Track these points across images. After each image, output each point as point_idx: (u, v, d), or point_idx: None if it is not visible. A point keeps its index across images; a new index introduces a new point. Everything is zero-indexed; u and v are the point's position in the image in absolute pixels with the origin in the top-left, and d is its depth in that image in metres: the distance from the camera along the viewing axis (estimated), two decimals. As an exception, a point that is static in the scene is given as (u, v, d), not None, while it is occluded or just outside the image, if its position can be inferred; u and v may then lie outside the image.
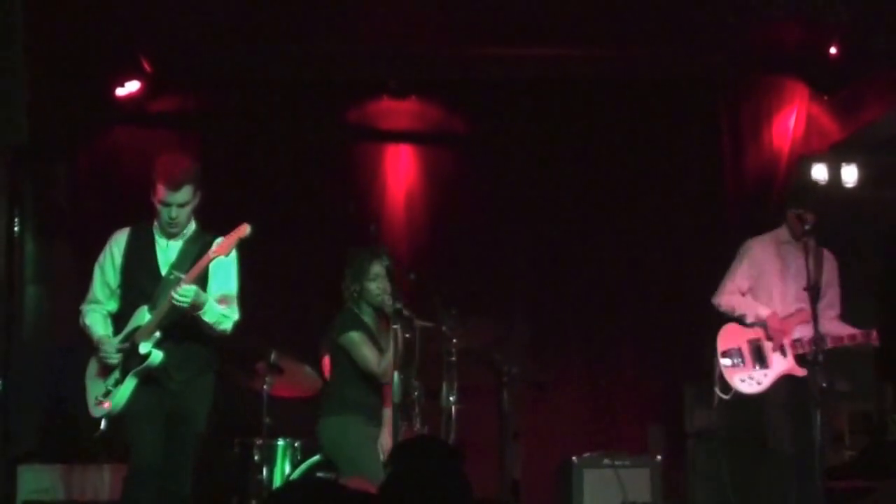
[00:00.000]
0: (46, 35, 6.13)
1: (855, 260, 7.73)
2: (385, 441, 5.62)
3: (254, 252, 5.31)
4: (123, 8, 6.69)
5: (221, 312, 5.26)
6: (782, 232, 6.45)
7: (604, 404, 8.05)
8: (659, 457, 7.17)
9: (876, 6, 6.77)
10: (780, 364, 6.26)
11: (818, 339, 5.89)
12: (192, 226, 5.36)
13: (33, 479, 6.61)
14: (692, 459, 7.46)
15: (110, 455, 6.46)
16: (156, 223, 5.32)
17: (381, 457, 5.59)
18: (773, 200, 7.75)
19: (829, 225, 6.44)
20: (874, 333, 6.23)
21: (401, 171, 8.23)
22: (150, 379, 5.21)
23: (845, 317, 6.43)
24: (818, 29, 7.30)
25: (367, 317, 5.84)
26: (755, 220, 7.47)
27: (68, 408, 6.41)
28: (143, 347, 5.16)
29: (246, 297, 5.43)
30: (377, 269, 5.76)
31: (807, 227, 6.11)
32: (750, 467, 6.64)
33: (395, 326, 5.41)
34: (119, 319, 5.34)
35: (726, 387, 6.27)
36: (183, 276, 5.10)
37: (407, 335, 5.51)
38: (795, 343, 6.25)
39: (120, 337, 5.25)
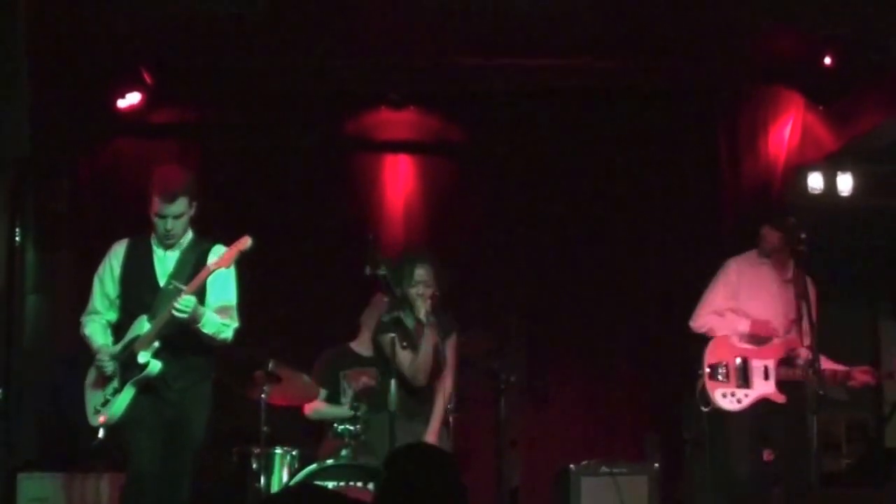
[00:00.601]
0: (48, 47, 6.17)
1: (850, 269, 7.82)
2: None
3: (252, 261, 5.34)
4: (125, 20, 6.73)
5: (221, 322, 5.30)
6: (759, 250, 6.51)
7: (601, 412, 8.07)
8: (657, 464, 7.18)
9: (870, 17, 6.81)
10: (762, 387, 6.28)
11: (814, 356, 5.95)
12: (189, 235, 5.41)
13: (33, 487, 6.61)
14: (689, 466, 7.48)
15: (110, 464, 6.48)
16: (153, 234, 5.37)
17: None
18: (770, 210, 7.77)
19: (824, 234, 6.50)
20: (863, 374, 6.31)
21: (399, 182, 8.26)
22: (148, 388, 5.25)
23: (843, 324, 6.51)
24: (813, 40, 7.33)
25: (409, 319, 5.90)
26: (752, 230, 7.49)
27: (68, 417, 6.42)
28: (142, 357, 5.20)
29: (244, 305, 5.47)
30: (419, 273, 5.83)
31: (801, 245, 6.16)
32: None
33: (391, 335, 5.49)
34: (119, 329, 5.38)
35: (706, 399, 6.31)
36: (183, 287, 5.14)
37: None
38: (781, 365, 6.28)
39: (119, 346, 5.29)
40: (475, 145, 8.33)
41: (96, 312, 5.40)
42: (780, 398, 6.24)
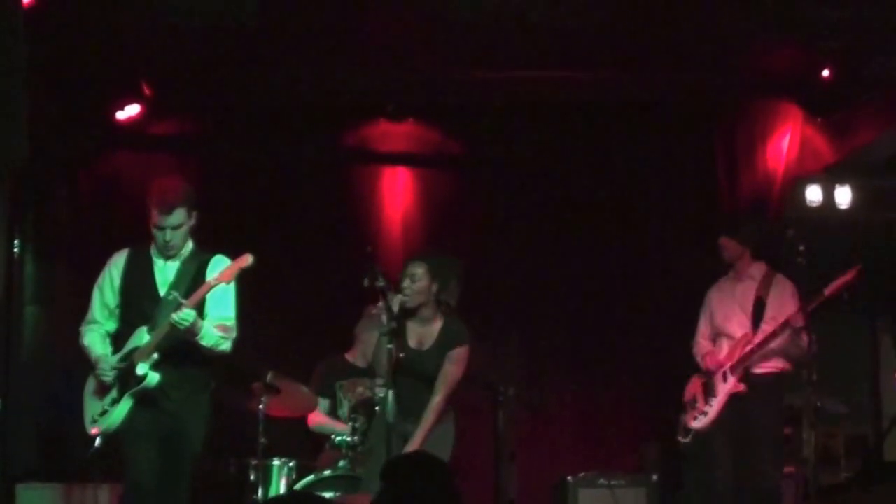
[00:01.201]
0: (47, 58, 6.18)
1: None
2: None
3: (250, 272, 5.34)
4: (124, 32, 6.74)
5: (219, 335, 5.31)
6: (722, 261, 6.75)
7: (599, 424, 8.07)
8: (654, 476, 7.19)
9: (868, 30, 6.83)
10: (723, 388, 6.53)
11: (754, 348, 6.36)
12: (189, 245, 5.42)
13: (32, 498, 6.60)
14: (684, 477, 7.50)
15: (108, 474, 6.48)
16: (153, 245, 5.38)
17: None
18: (769, 223, 7.78)
19: (822, 247, 6.52)
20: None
21: (397, 194, 8.27)
22: (146, 399, 5.25)
23: (841, 338, 6.55)
24: (812, 52, 7.35)
25: None
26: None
27: (67, 428, 6.43)
28: (141, 368, 5.21)
29: (243, 317, 5.47)
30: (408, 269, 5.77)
31: (800, 257, 6.21)
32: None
33: (389, 346, 5.46)
34: (118, 339, 5.39)
35: (685, 431, 6.67)
36: (183, 301, 5.14)
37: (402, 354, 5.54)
38: (734, 367, 6.51)
39: (118, 356, 5.30)
40: (474, 158, 8.35)
41: (95, 322, 5.41)
42: (741, 387, 6.48)
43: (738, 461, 6.50)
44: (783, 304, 6.48)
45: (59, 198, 7.55)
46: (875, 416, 8.41)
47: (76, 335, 5.46)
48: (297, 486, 6.13)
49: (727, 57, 7.35)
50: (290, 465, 6.32)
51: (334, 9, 6.62)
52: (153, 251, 5.40)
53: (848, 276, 6.30)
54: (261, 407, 6.18)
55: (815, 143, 7.94)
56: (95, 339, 5.37)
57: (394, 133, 8.31)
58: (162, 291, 5.34)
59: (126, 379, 5.24)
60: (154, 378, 5.22)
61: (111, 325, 5.42)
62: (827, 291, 6.27)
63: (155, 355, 5.22)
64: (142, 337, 5.26)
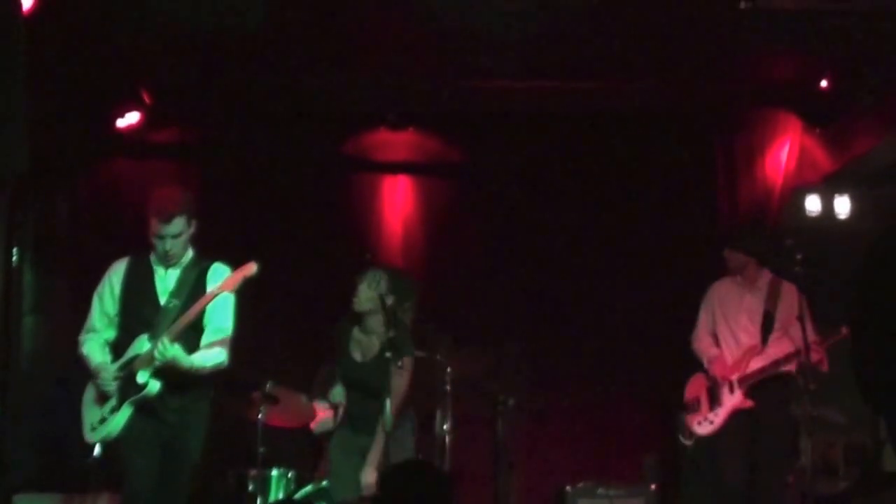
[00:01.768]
0: (47, 66, 6.19)
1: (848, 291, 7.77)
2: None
3: (250, 281, 5.33)
4: (124, 39, 6.75)
5: (213, 357, 5.28)
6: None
7: (599, 433, 8.06)
8: (654, 486, 7.18)
9: (866, 41, 6.83)
10: (730, 400, 6.50)
11: (805, 377, 6.11)
12: (190, 253, 5.42)
13: (30, 508, 6.61)
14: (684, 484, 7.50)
15: (107, 483, 6.47)
16: (153, 253, 5.38)
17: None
18: (769, 231, 7.78)
19: (821, 256, 6.53)
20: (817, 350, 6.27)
21: (398, 202, 8.28)
22: (145, 408, 5.24)
23: (841, 347, 6.51)
24: (810, 62, 7.36)
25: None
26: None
27: (65, 437, 6.42)
28: (141, 377, 5.20)
29: (242, 326, 5.46)
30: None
31: (798, 266, 6.20)
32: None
33: (387, 355, 5.45)
34: (117, 348, 5.37)
35: (687, 433, 6.69)
36: (166, 337, 5.11)
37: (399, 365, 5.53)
38: (742, 380, 6.47)
39: (118, 364, 5.29)
40: (474, 166, 8.35)
41: (95, 330, 5.40)
42: (748, 404, 6.45)
43: (746, 467, 6.46)
44: (790, 311, 6.40)
45: (58, 206, 7.54)
46: (873, 424, 8.39)
47: (75, 344, 5.44)
48: (296, 496, 6.12)
49: (726, 67, 7.37)
50: (289, 475, 6.31)
51: (335, 19, 6.63)
52: (153, 259, 5.39)
53: None
54: (259, 416, 6.17)
55: (814, 153, 7.96)
56: (95, 347, 5.36)
57: (394, 142, 8.33)
58: (162, 299, 5.33)
59: (126, 387, 5.23)
60: (155, 386, 5.21)
61: (111, 334, 5.40)
62: (845, 330, 6.21)
63: (155, 363, 5.21)
64: (142, 345, 5.25)
